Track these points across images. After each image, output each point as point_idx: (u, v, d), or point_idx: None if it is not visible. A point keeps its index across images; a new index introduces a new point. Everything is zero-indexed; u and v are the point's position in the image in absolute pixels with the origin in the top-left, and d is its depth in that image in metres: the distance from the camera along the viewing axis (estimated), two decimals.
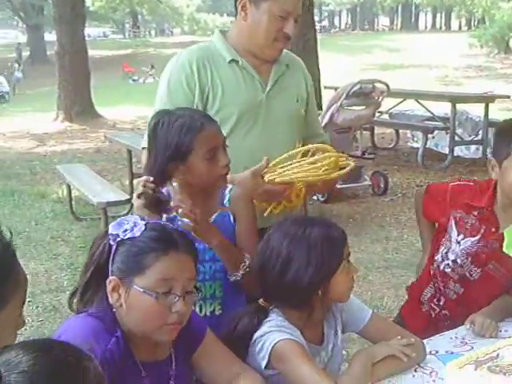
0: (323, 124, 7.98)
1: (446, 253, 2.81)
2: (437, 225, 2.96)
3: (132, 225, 1.92)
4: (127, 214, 7.62)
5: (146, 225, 1.93)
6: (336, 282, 2.17)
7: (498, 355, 2.02)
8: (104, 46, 42.44)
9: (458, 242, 2.76)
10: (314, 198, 8.06)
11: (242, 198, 2.59)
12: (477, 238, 2.73)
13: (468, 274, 2.77)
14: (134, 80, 30.44)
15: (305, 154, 2.82)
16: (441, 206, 2.84)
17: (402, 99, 11.87)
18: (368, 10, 69.88)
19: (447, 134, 10.40)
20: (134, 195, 2.37)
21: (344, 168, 2.81)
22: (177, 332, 1.93)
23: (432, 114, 11.06)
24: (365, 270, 6.12)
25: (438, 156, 10.71)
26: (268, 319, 2.18)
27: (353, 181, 8.59)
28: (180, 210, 2.30)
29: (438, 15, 72.50)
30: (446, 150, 10.45)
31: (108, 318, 1.89)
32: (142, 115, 16.88)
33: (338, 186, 8.34)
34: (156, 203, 2.33)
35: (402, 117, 11.98)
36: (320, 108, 8.68)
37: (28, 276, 5.05)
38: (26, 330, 4.90)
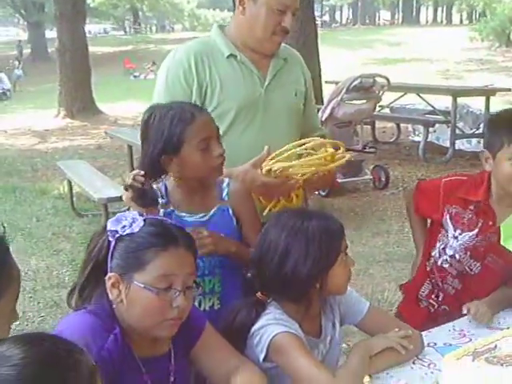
0: (324, 118, 7.99)
1: (444, 248, 2.80)
2: (429, 221, 2.96)
3: (131, 221, 1.91)
4: (128, 209, 7.61)
5: (144, 220, 1.93)
6: (334, 274, 2.17)
7: (495, 346, 2.02)
8: (105, 43, 42.45)
9: (456, 237, 2.76)
10: (315, 192, 8.06)
11: (242, 192, 2.59)
12: (474, 232, 2.72)
13: (468, 269, 2.76)
14: (135, 76, 30.45)
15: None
16: (434, 202, 2.83)
17: (402, 93, 11.86)
18: (369, 5, 69.70)
19: (448, 127, 10.38)
20: (123, 187, 2.38)
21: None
22: (177, 327, 1.93)
23: (433, 107, 11.05)
24: (366, 263, 6.13)
25: (439, 149, 10.69)
26: (266, 312, 2.18)
27: (354, 175, 8.60)
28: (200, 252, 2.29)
29: (439, 9, 72.33)
30: (447, 144, 10.44)
31: (106, 315, 1.89)
32: (144, 111, 16.88)
33: (339, 181, 8.34)
34: (143, 196, 2.33)
35: (403, 111, 11.97)
36: (321, 103, 8.67)
37: (29, 272, 5.10)
38: (27, 325, 4.94)
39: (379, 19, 77.02)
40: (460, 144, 10.54)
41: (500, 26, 30.93)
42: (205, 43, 2.96)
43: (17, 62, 32.03)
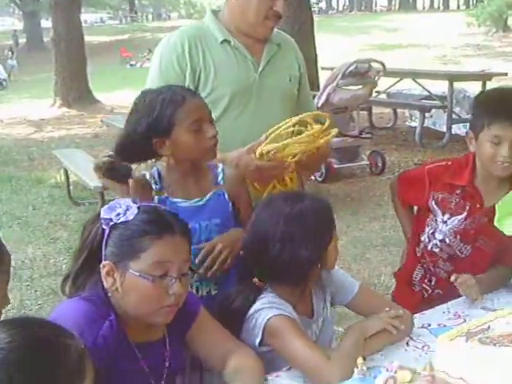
0: (320, 104, 7.97)
1: (433, 233, 2.80)
2: (416, 208, 2.95)
3: (125, 208, 1.90)
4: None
5: (138, 208, 1.92)
6: (329, 251, 2.21)
7: (489, 327, 2.01)
8: (101, 32, 42.36)
9: (445, 222, 2.75)
10: (312, 177, 8.05)
11: (237, 177, 2.59)
12: (463, 215, 2.72)
13: (458, 252, 2.76)
14: (131, 65, 30.40)
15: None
16: (420, 190, 2.82)
17: (399, 78, 11.85)
18: None
19: (445, 112, 10.38)
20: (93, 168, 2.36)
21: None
22: (174, 314, 1.93)
23: (429, 92, 11.03)
24: (363, 248, 6.14)
25: (436, 134, 10.69)
26: (260, 297, 2.18)
27: (350, 160, 8.61)
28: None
29: None
30: (444, 129, 10.43)
31: (101, 302, 1.88)
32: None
33: (336, 166, 8.34)
34: (112, 170, 2.31)
35: (400, 96, 11.96)
36: (317, 89, 8.66)
37: (26, 261, 5.10)
38: (25, 314, 4.93)
39: (376, 5, 76.75)
40: (456, 129, 10.52)
41: (497, 11, 30.86)
42: (198, 28, 2.95)
43: (10, 53, 31.92)
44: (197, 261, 2.37)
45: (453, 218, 2.74)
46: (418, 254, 2.87)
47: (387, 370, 1.81)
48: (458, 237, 2.74)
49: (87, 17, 47.40)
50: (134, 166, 2.40)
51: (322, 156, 2.83)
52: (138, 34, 42.07)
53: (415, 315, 2.44)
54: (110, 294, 1.90)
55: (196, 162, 2.45)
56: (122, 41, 38.27)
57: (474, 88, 10.99)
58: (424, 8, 69.77)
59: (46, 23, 33.57)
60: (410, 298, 2.88)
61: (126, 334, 1.91)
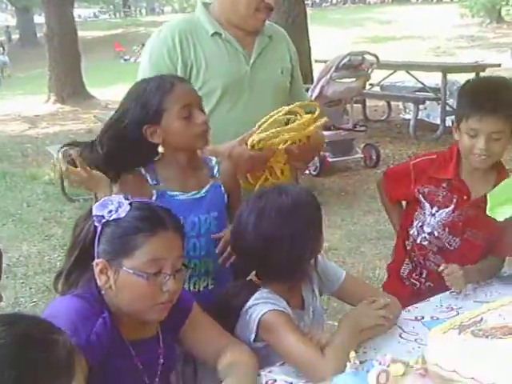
0: (313, 97, 7.95)
1: (421, 226, 2.80)
2: (405, 203, 2.95)
3: (116, 205, 1.89)
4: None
5: (130, 204, 1.91)
6: (321, 241, 2.26)
7: (481, 319, 2.01)
8: (95, 27, 42.22)
9: (433, 215, 2.76)
10: (306, 171, 8.05)
11: (231, 169, 2.59)
12: (451, 208, 2.72)
13: (447, 245, 2.76)
14: (125, 60, 30.34)
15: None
16: (406, 186, 2.82)
17: (392, 71, 11.84)
18: None
19: (438, 104, 10.37)
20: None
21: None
22: (168, 310, 1.93)
23: (423, 84, 11.03)
24: (357, 241, 6.14)
25: (430, 127, 10.69)
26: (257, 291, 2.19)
27: (344, 154, 8.61)
28: None
29: None
30: (438, 121, 10.43)
31: (94, 299, 1.88)
32: None
33: (330, 160, 8.34)
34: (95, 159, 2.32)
35: (393, 88, 11.95)
36: (311, 82, 8.65)
37: (21, 258, 5.09)
38: (19, 311, 4.92)
39: None
40: (450, 121, 10.52)
41: (490, 2, 30.85)
42: (189, 21, 2.94)
43: (1, 48, 31.78)
44: (217, 250, 2.41)
45: (441, 211, 2.74)
46: (408, 248, 2.87)
47: (380, 364, 1.80)
48: (447, 229, 2.74)
49: (80, 12, 47.22)
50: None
51: (313, 148, 2.84)
52: (131, 28, 41.95)
53: (408, 308, 2.46)
54: (103, 292, 1.89)
55: (188, 149, 2.43)
56: (115, 35, 38.18)
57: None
58: (417, 0, 69.70)
59: (39, 19, 33.46)
60: (400, 290, 2.88)
61: (119, 331, 1.91)
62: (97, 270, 1.87)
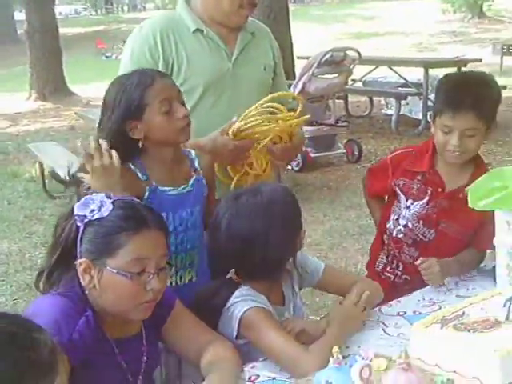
0: (296, 93, 7.95)
1: (397, 219, 2.81)
2: (386, 198, 2.96)
3: (99, 204, 1.88)
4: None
5: (113, 203, 1.89)
6: (301, 238, 2.25)
7: (463, 313, 2.02)
8: (76, 24, 41.93)
9: (408, 207, 2.77)
10: (289, 167, 8.05)
11: (211, 162, 2.62)
12: (425, 200, 2.74)
13: (421, 236, 2.77)
14: (106, 56, 30.15)
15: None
16: (384, 180, 2.84)
17: (374, 66, 11.86)
18: None
19: (420, 99, 10.43)
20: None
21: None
22: (152, 309, 1.93)
23: (405, 80, 11.08)
24: (339, 237, 6.15)
25: (412, 122, 10.74)
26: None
27: (326, 149, 8.63)
28: None
29: None
30: (420, 116, 10.49)
31: (77, 298, 1.87)
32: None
33: (312, 155, 8.34)
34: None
35: (376, 84, 11.99)
36: (293, 78, 8.65)
37: (2, 255, 5.05)
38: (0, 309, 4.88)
39: None
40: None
41: None
42: (170, 18, 2.93)
43: None
44: None
45: (415, 203, 2.75)
46: (386, 242, 2.88)
47: (363, 359, 1.80)
48: (421, 221, 2.76)
49: (62, 9, 46.91)
50: None
51: (296, 147, 2.84)
52: (113, 25, 41.71)
53: (390, 303, 2.47)
54: (87, 292, 1.88)
55: (170, 143, 2.43)
56: (97, 32, 37.95)
57: None
58: None
59: (20, 15, 33.22)
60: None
61: (102, 329, 1.90)
62: (80, 269, 1.86)
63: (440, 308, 2.40)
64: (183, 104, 2.42)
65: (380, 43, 24.46)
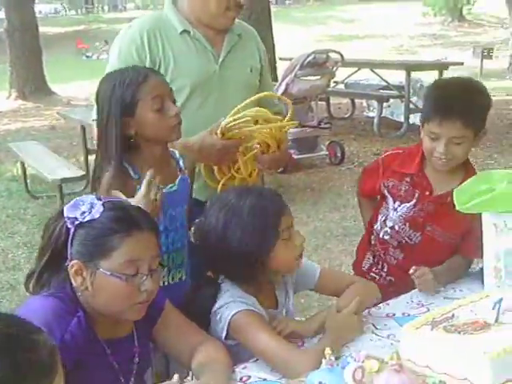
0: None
1: (384, 221, 2.82)
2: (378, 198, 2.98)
3: (89, 206, 1.87)
4: (83, 190, 7.52)
5: (103, 205, 1.89)
6: (277, 252, 2.16)
7: (453, 315, 2.04)
8: (56, 23, 41.70)
9: (395, 209, 2.78)
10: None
11: (194, 164, 2.65)
12: (412, 202, 2.74)
13: (407, 239, 2.78)
14: (87, 56, 30.06)
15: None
16: (374, 179, 2.86)
17: (356, 69, 11.90)
18: None
19: (402, 102, 10.47)
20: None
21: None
22: (145, 309, 1.93)
23: (387, 82, 11.11)
24: (323, 238, 6.16)
25: (394, 124, 10.78)
26: (225, 289, 2.19)
27: (309, 151, 8.63)
28: None
29: None
30: (402, 119, 10.53)
31: (69, 299, 1.86)
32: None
33: (295, 157, 8.35)
34: None
35: (358, 86, 12.02)
36: (275, 79, 8.65)
37: None
38: None
39: None
40: (414, 118, 10.60)
41: (452, 1, 31.17)
42: (158, 19, 2.93)
43: None
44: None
45: (402, 205, 2.76)
46: (372, 243, 2.90)
47: (355, 360, 1.81)
48: (407, 224, 2.76)
49: (41, 7, 46.55)
50: None
51: (283, 156, 2.86)
52: (93, 25, 41.56)
53: (379, 305, 2.48)
54: (79, 294, 1.87)
55: (161, 141, 2.44)
56: (77, 32, 37.77)
57: (430, 78, 11.10)
58: None
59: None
60: None
61: (94, 330, 1.90)
62: (72, 271, 1.85)
63: (428, 310, 2.42)
64: (174, 102, 2.44)
65: (360, 46, 24.55)
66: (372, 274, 2.89)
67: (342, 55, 8.85)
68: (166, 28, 2.86)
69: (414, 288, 2.59)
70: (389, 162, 2.83)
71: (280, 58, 11.74)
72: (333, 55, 8.79)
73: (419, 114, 9.20)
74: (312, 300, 4.34)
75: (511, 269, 2.40)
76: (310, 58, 8.36)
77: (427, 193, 2.72)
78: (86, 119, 8.12)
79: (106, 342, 1.93)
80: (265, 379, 2.01)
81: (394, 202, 2.78)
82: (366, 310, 2.40)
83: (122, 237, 1.84)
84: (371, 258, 2.91)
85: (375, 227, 2.86)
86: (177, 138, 2.46)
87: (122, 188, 2.25)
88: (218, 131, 2.65)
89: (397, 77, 11.28)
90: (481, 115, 2.63)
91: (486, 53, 18.02)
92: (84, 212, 1.86)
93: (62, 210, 1.90)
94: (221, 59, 2.90)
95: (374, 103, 11.15)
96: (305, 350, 2.05)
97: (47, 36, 26.78)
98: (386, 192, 2.80)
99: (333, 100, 12.07)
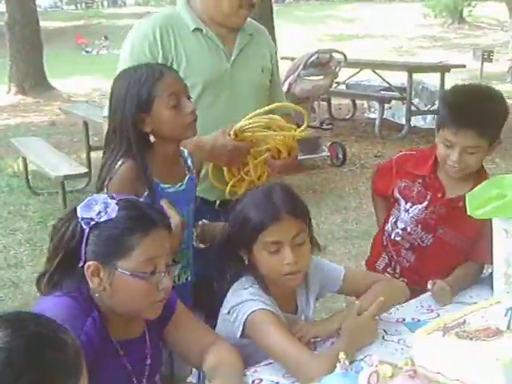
0: None
1: (395, 222, 2.84)
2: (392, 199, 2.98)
3: (104, 205, 1.87)
4: (85, 187, 7.53)
5: (117, 203, 1.89)
6: (259, 260, 2.18)
7: (464, 321, 2.04)
8: (56, 18, 41.53)
9: (407, 210, 2.79)
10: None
11: (202, 163, 2.67)
12: (424, 204, 2.75)
13: (419, 241, 2.79)
14: (87, 51, 29.96)
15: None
16: (388, 179, 2.87)
17: (358, 69, 11.88)
18: None
19: (404, 104, 10.44)
20: None
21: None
22: (162, 307, 1.95)
23: (389, 84, 11.09)
24: (325, 240, 6.12)
25: (395, 126, 10.76)
26: (244, 286, 2.19)
27: (311, 152, 8.61)
28: None
29: None
30: (403, 120, 10.50)
31: (83, 299, 1.86)
32: (97, 87, 16.59)
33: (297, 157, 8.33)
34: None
35: (359, 87, 11.98)
36: None
37: None
38: None
39: None
40: (415, 121, 10.62)
41: (453, 3, 31.13)
42: (170, 16, 2.93)
43: None
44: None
45: (414, 207, 2.77)
46: (384, 244, 2.91)
47: (368, 365, 1.82)
48: (420, 226, 2.77)
49: (41, 1, 46.39)
50: None
51: (294, 162, 2.87)
52: (93, 20, 41.46)
53: (390, 310, 2.47)
54: (96, 295, 1.87)
55: (177, 138, 2.45)
56: (77, 27, 37.66)
57: (432, 80, 11.11)
58: None
59: (0, 7, 32.89)
60: None
61: (108, 330, 1.90)
62: (88, 272, 1.85)
63: (438, 315, 2.44)
64: (189, 98, 2.45)
65: (360, 45, 24.49)
66: (386, 274, 2.89)
67: (345, 55, 8.85)
68: (178, 25, 2.86)
69: (427, 291, 2.60)
70: (402, 162, 2.85)
71: (281, 57, 11.70)
72: (336, 55, 8.78)
73: (420, 117, 9.26)
74: (324, 303, 4.32)
75: None
76: (313, 58, 8.37)
77: (439, 195, 2.73)
78: (88, 115, 8.14)
79: (118, 342, 1.93)
80: (277, 383, 2.02)
81: (406, 203, 2.79)
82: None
83: (140, 236, 1.84)
84: (387, 258, 2.91)
85: (386, 228, 2.88)
86: (192, 135, 2.47)
87: (135, 185, 2.27)
88: (232, 132, 2.66)
89: (398, 78, 11.27)
90: (497, 126, 2.64)
91: (486, 55, 18.00)
92: (100, 212, 1.86)
93: (73, 210, 1.90)
94: (233, 58, 2.91)
95: (375, 104, 11.15)
96: (318, 355, 2.05)
97: (47, 30, 26.63)
98: (397, 193, 2.80)
99: (333, 101, 12.06)
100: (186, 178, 2.51)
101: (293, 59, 8.96)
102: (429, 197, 2.74)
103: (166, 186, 2.42)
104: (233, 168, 2.82)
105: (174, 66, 2.78)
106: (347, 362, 1.80)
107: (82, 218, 1.86)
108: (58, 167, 6.97)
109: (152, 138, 2.39)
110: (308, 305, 2.36)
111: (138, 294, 1.86)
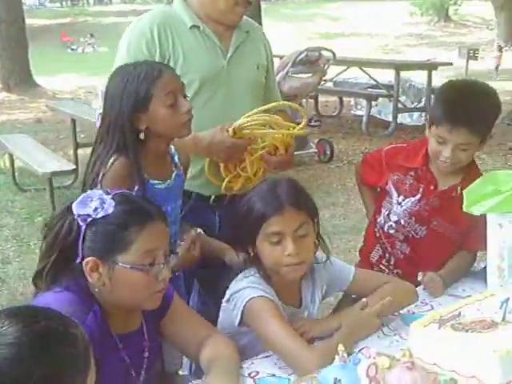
0: None
1: (388, 214, 2.85)
2: (379, 189, 2.99)
3: (100, 201, 1.87)
4: (72, 184, 7.50)
5: (113, 198, 1.89)
6: (261, 250, 2.19)
7: (459, 314, 2.05)
8: (41, 15, 41.38)
9: (400, 203, 2.80)
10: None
11: (189, 159, 2.66)
12: (417, 197, 2.77)
13: (413, 233, 2.80)
14: (72, 49, 29.87)
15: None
16: (378, 171, 2.88)
17: (345, 67, 11.91)
18: None
19: (390, 101, 10.50)
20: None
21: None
22: (161, 298, 1.96)
23: (376, 81, 11.13)
24: None
25: (382, 123, 10.80)
26: (246, 275, 2.21)
27: (299, 148, 8.60)
28: None
29: None
30: (390, 118, 10.55)
31: (83, 293, 1.87)
32: (82, 85, 16.54)
33: None
34: None
35: (346, 85, 12.03)
36: None
37: None
38: None
39: None
40: (402, 118, 10.66)
41: (439, 1, 31.28)
42: (167, 13, 2.93)
43: None
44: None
45: (407, 200, 2.78)
46: (377, 235, 2.92)
47: (366, 357, 1.81)
48: (413, 218, 2.79)
49: None
50: None
51: (290, 159, 2.88)
52: (79, 18, 41.31)
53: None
54: (96, 290, 1.88)
55: (171, 137, 2.46)
56: (62, 25, 37.52)
57: (419, 78, 11.15)
58: None
59: None
60: None
61: (108, 324, 1.90)
62: (87, 268, 1.85)
63: (432, 308, 2.45)
64: (186, 97, 2.44)
65: (346, 44, 24.54)
66: (381, 266, 2.91)
67: (334, 53, 8.86)
68: (175, 23, 2.86)
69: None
70: (392, 155, 2.85)
71: None
72: (325, 53, 8.79)
73: (407, 114, 9.29)
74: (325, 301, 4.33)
75: None
76: (302, 56, 8.39)
77: (432, 187, 2.74)
78: (76, 113, 8.11)
79: (117, 336, 1.93)
80: (273, 375, 2.02)
81: (398, 196, 2.80)
82: None
83: (138, 230, 1.85)
84: (380, 249, 2.92)
85: (378, 220, 2.89)
86: (187, 134, 2.47)
87: (127, 181, 2.27)
88: (230, 129, 2.67)
89: (385, 76, 11.31)
90: (490, 123, 2.67)
91: (472, 53, 18.09)
92: (97, 208, 1.86)
93: (67, 208, 1.90)
94: (229, 55, 2.91)
95: (362, 102, 11.19)
96: (315, 347, 2.04)
97: (32, 28, 26.53)
98: (391, 186, 2.81)
99: (320, 98, 12.07)
100: (174, 174, 2.51)
101: (281, 57, 8.96)
102: (421, 189, 2.75)
103: (156, 182, 2.42)
104: (229, 164, 2.82)
105: (171, 64, 2.78)
106: (345, 355, 1.80)
107: (79, 215, 1.86)
108: (45, 164, 6.92)
109: (142, 135, 2.37)
110: (313, 301, 2.35)
111: (138, 286, 1.86)
